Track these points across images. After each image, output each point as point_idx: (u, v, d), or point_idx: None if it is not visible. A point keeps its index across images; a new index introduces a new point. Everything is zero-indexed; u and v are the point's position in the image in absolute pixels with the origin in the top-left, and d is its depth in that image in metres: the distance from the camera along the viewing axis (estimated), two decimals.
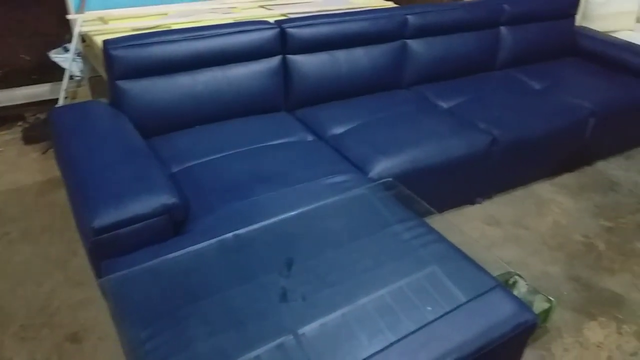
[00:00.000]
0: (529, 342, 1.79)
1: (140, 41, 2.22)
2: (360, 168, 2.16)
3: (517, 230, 2.46)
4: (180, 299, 1.42)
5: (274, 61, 2.51)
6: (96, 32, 2.84)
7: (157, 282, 1.50)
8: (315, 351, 1.27)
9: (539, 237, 2.42)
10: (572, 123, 2.76)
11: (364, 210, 1.85)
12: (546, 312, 1.87)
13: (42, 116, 3.46)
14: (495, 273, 1.70)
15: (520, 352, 1.55)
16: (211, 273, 1.52)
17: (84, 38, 3.01)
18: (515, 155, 2.58)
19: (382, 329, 1.33)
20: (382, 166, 2.17)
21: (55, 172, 2.75)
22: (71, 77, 3.10)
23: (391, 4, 3.51)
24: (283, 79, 2.57)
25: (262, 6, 3.42)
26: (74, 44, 2.96)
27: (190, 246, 1.60)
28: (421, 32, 2.90)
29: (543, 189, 2.79)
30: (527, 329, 1.41)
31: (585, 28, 3.67)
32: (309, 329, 1.33)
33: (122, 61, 2.19)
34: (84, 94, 3.22)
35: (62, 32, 3.18)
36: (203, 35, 2.33)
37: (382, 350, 1.27)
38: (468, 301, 1.41)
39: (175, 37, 2.29)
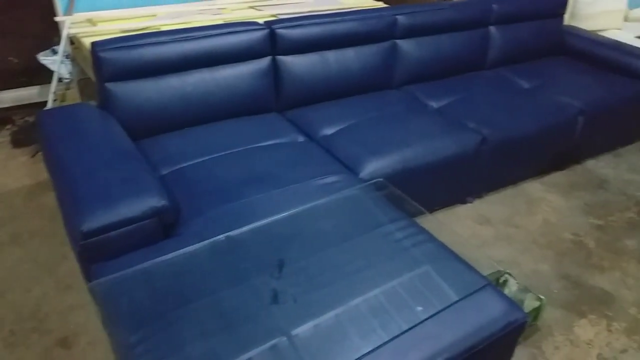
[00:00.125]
0: (520, 341, 1.80)
1: (129, 43, 2.21)
2: (351, 168, 2.16)
3: (508, 229, 2.47)
4: (171, 302, 1.42)
5: (264, 62, 2.51)
6: (85, 34, 2.82)
7: (147, 285, 1.49)
8: (308, 352, 1.27)
9: (530, 236, 2.43)
10: (562, 122, 2.78)
11: (355, 210, 1.85)
12: (537, 311, 1.88)
13: (30, 119, 3.43)
14: (486, 272, 1.70)
15: (511, 351, 1.56)
16: (202, 275, 1.52)
17: (73, 40, 2.99)
18: (505, 155, 2.60)
19: (375, 329, 1.33)
20: (373, 166, 2.17)
21: (44, 175, 2.74)
22: (60, 80, 3.07)
23: (381, 4, 3.52)
24: (273, 80, 2.56)
25: (252, 7, 3.42)
26: (62, 46, 2.94)
27: (180, 249, 1.60)
28: (411, 32, 2.90)
29: (533, 187, 2.81)
30: (518, 328, 1.42)
31: (573, 27, 3.69)
32: (302, 330, 1.32)
33: (110, 63, 2.17)
34: (73, 97, 3.20)
35: (50, 34, 3.16)
36: (192, 36, 2.33)
37: (373, 350, 1.27)
38: (458, 300, 1.42)
39: (164, 38, 2.28)
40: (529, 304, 1.86)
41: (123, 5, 3.25)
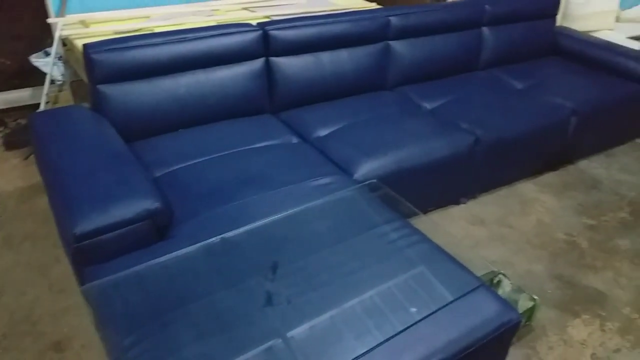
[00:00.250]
0: (514, 341, 1.80)
1: (122, 44, 2.21)
2: (345, 170, 2.16)
3: (502, 230, 2.48)
4: (165, 305, 1.41)
5: (257, 63, 2.51)
6: (77, 36, 2.81)
7: (141, 288, 1.48)
8: (304, 354, 1.26)
9: (523, 236, 2.44)
10: (555, 122, 2.79)
11: (350, 212, 1.85)
12: (530, 311, 1.88)
13: (23, 121, 3.41)
14: (479, 273, 1.71)
15: (505, 351, 1.56)
16: (196, 277, 1.51)
17: (65, 42, 2.98)
18: (498, 155, 2.61)
19: (371, 330, 1.33)
20: (367, 168, 2.17)
21: (37, 178, 2.71)
22: (52, 82, 3.06)
23: (374, 5, 3.52)
24: (267, 82, 2.56)
25: (245, 8, 3.41)
26: (54, 48, 2.93)
27: (174, 251, 1.59)
28: (404, 34, 2.91)
29: (527, 188, 2.82)
30: (511, 328, 1.42)
31: (566, 28, 3.71)
32: (297, 331, 1.32)
33: (102, 65, 2.17)
34: (66, 99, 3.19)
35: (43, 36, 3.15)
36: (185, 38, 2.32)
37: (368, 351, 1.27)
38: (452, 301, 1.42)
39: (157, 40, 2.28)
40: (523, 304, 1.87)
41: (116, 6, 3.24)
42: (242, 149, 2.23)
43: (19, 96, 3.45)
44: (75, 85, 3.19)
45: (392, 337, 1.31)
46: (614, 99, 3.04)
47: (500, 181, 2.80)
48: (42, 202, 2.60)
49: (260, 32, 2.49)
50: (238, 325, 1.34)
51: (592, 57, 3.37)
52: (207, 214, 1.80)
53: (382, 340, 1.30)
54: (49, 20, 3.01)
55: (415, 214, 1.89)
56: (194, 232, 1.71)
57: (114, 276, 1.50)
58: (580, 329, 1.96)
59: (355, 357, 1.26)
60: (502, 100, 2.85)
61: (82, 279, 1.57)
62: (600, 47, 3.39)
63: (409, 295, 1.44)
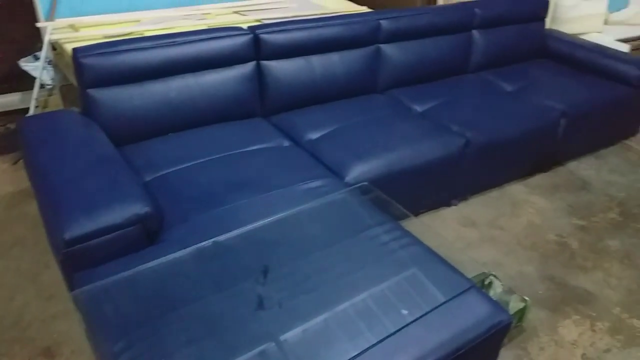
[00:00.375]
0: (505, 342, 1.81)
1: (111, 49, 2.20)
2: (336, 173, 2.17)
3: (493, 231, 2.49)
4: (156, 309, 1.40)
5: (248, 67, 2.51)
6: (67, 40, 2.79)
7: (131, 293, 1.47)
8: (297, 357, 1.26)
9: (514, 238, 2.45)
10: (544, 124, 2.81)
11: (341, 215, 1.85)
12: (522, 312, 1.89)
13: (12, 126, 3.39)
14: (470, 274, 1.71)
15: (496, 352, 1.57)
16: (187, 282, 1.51)
17: (55, 46, 2.96)
18: (489, 157, 2.62)
19: (363, 332, 1.33)
20: (358, 170, 2.17)
21: (26, 183, 2.68)
22: (42, 86, 3.04)
23: (365, 9, 3.53)
24: (258, 85, 2.56)
25: (236, 12, 3.41)
26: (44, 52, 2.91)
27: (164, 255, 1.58)
28: (394, 37, 2.92)
29: (517, 189, 2.83)
30: (502, 329, 1.42)
31: (555, 31, 3.74)
32: (290, 335, 1.32)
33: (92, 69, 2.16)
34: (56, 103, 3.17)
35: (32, 40, 3.12)
36: (176, 42, 2.32)
37: (360, 353, 1.28)
38: (443, 303, 1.42)
39: (147, 44, 2.27)
40: (514, 305, 1.87)
41: (106, 10, 3.23)
42: (233, 152, 2.23)
43: (8, 101, 3.42)
44: (64, 89, 3.17)
45: (385, 338, 1.32)
46: (603, 100, 3.07)
47: (490, 183, 2.81)
48: (32, 207, 2.58)
49: (251, 35, 2.49)
50: (230, 329, 1.34)
51: (581, 59, 3.40)
52: (198, 218, 1.80)
53: (375, 342, 1.30)
54: (39, 24, 2.99)
55: (406, 216, 1.90)
56: (185, 237, 1.70)
57: (104, 281, 1.49)
58: (571, 330, 1.97)
59: (348, 359, 1.26)
60: (492, 103, 2.86)
61: (71, 285, 1.55)
62: (589, 49, 3.42)
63: (401, 297, 1.44)
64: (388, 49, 2.92)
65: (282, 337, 1.31)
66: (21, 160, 2.99)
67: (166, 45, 2.30)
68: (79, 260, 1.55)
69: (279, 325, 1.35)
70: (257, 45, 2.51)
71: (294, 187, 1.99)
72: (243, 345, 1.29)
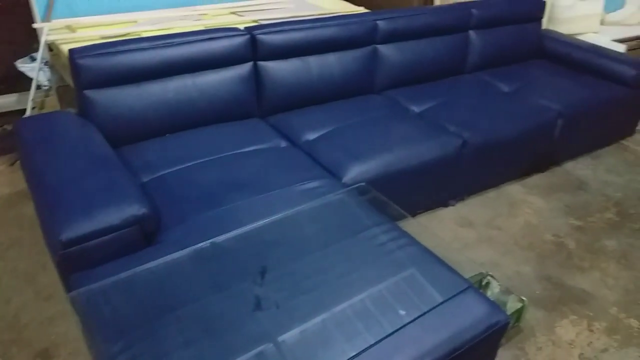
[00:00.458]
0: (503, 342, 1.82)
1: (108, 49, 2.20)
2: (333, 173, 2.17)
3: (490, 231, 2.50)
4: (153, 311, 1.40)
5: (245, 68, 2.51)
6: (63, 41, 2.79)
7: (128, 294, 1.47)
8: (295, 358, 1.26)
9: (511, 238, 2.46)
10: (541, 124, 2.81)
11: (338, 215, 1.85)
12: (519, 312, 1.89)
13: (9, 127, 3.38)
14: (468, 274, 1.72)
15: (493, 352, 1.57)
16: (184, 283, 1.51)
17: (51, 47, 2.95)
18: (486, 157, 2.62)
19: (361, 332, 1.33)
20: (356, 171, 2.17)
21: (23, 184, 2.67)
22: (39, 87, 3.03)
23: (362, 10, 3.53)
24: (255, 86, 2.56)
25: (233, 13, 3.41)
26: (40, 53, 2.90)
27: (162, 257, 1.58)
28: (391, 37, 2.92)
29: (514, 189, 2.84)
30: (500, 330, 1.43)
31: (551, 31, 3.75)
32: (288, 336, 1.32)
33: (88, 70, 2.15)
34: (52, 104, 3.16)
35: (29, 41, 3.12)
36: (173, 42, 2.32)
37: (358, 354, 1.28)
38: (441, 303, 1.42)
39: (144, 44, 2.27)
40: (511, 305, 1.88)
41: (103, 11, 3.22)
42: (230, 153, 2.23)
43: (5, 102, 3.41)
44: (61, 90, 3.16)
45: (382, 339, 1.32)
46: (599, 101, 3.08)
47: (488, 183, 2.82)
48: (29, 208, 2.57)
49: (248, 36, 2.49)
50: (228, 330, 1.34)
51: (577, 59, 3.41)
52: (195, 218, 1.80)
53: (372, 342, 1.31)
54: (35, 25, 2.98)
55: (404, 217, 1.90)
56: (182, 238, 1.70)
57: (101, 283, 1.49)
58: (568, 329, 1.97)
59: None
60: (489, 103, 2.87)
61: (69, 286, 1.55)
62: (585, 49, 3.43)
63: (399, 298, 1.44)
64: (385, 49, 2.92)
65: (280, 338, 1.31)
66: (18, 162, 2.99)
67: (163, 46, 2.29)
68: (76, 262, 1.55)
69: (277, 326, 1.35)
70: (254, 45, 2.51)
71: (291, 188, 1.99)
72: (241, 346, 1.29)
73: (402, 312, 1.39)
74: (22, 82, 3.09)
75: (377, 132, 2.45)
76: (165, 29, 2.92)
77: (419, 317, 1.38)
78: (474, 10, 3.22)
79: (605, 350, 1.89)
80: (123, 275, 1.52)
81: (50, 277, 2.14)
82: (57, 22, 3.00)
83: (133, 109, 2.25)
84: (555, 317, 2.02)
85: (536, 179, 2.95)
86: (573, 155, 3.17)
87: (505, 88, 3.15)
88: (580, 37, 3.86)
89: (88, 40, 2.71)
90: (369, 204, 1.92)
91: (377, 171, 2.21)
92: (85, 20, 3.04)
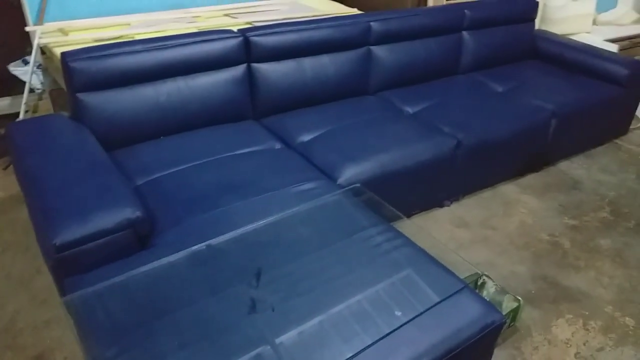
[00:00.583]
0: (499, 342, 1.82)
1: (101, 52, 2.19)
2: (328, 175, 2.16)
3: (485, 231, 2.50)
4: (148, 314, 1.39)
5: (239, 70, 2.50)
6: (56, 44, 2.78)
7: (123, 298, 1.46)
8: (292, 359, 1.26)
9: (506, 238, 2.46)
10: (535, 124, 2.82)
11: (334, 217, 1.85)
12: (515, 312, 1.90)
13: (1, 131, 3.35)
14: (463, 275, 1.72)
15: (490, 352, 1.57)
16: (180, 286, 1.50)
17: (44, 50, 2.94)
18: (480, 158, 2.63)
19: (358, 333, 1.33)
20: (350, 172, 2.17)
21: (17, 188, 2.67)
22: (32, 90, 3.02)
23: (355, 11, 3.54)
24: (249, 88, 2.56)
25: (226, 15, 3.41)
26: (33, 56, 2.89)
27: (156, 260, 1.57)
28: (385, 39, 2.93)
29: (509, 189, 2.85)
30: (495, 329, 1.43)
31: (544, 31, 3.77)
32: (285, 337, 1.32)
33: (81, 73, 2.14)
34: (46, 107, 3.15)
35: (22, 45, 3.11)
36: (166, 45, 2.31)
37: (355, 354, 1.27)
38: (436, 304, 1.42)
39: (137, 47, 2.26)
40: (507, 305, 1.88)
41: (96, 14, 3.21)
42: (225, 155, 2.22)
43: None
44: (54, 93, 3.15)
45: (379, 339, 1.32)
46: (592, 100, 3.09)
47: (482, 183, 2.82)
48: (22, 212, 2.56)
49: (241, 38, 2.48)
50: (224, 333, 1.33)
51: (570, 59, 3.42)
52: (190, 221, 1.79)
53: (369, 343, 1.30)
54: (28, 29, 2.97)
55: (399, 218, 1.90)
56: (177, 240, 1.69)
57: (95, 287, 1.48)
58: (564, 329, 1.97)
59: None
60: (483, 104, 2.88)
61: (63, 290, 1.54)
62: (578, 49, 3.44)
63: (395, 298, 1.44)
64: (379, 50, 2.92)
65: (277, 340, 1.31)
66: (11, 166, 2.97)
67: (157, 49, 2.29)
68: (70, 266, 1.54)
69: (274, 328, 1.34)
70: (247, 47, 2.51)
71: (286, 189, 1.99)
72: (238, 348, 1.28)
73: (398, 313, 1.39)
74: (15, 86, 3.09)
75: (371, 133, 2.45)
76: (158, 32, 2.92)
77: (415, 317, 1.38)
78: (467, 11, 3.23)
79: (601, 349, 1.90)
80: (118, 279, 1.51)
81: (45, 281, 2.13)
82: (49, 25, 2.99)
83: (126, 112, 2.24)
84: (551, 316, 2.03)
85: (531, 178, 2.96)
86: (567, 154, 3.18)
87: (499, 88, 3.16)
88: (573, 37, 3.88)
89: (81, 43, 2.71)
90: (364, 205, 1.91)
91: (372, 172, 2.21)
92: (78, 23, 3.04)
